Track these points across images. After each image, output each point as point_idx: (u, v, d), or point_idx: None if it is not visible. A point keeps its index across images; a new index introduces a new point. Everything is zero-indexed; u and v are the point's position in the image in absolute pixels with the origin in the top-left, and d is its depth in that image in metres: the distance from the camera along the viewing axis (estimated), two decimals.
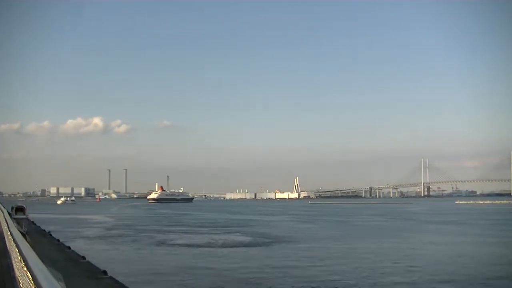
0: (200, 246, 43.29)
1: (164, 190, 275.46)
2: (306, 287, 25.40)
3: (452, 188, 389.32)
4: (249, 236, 53.64)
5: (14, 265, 9.41)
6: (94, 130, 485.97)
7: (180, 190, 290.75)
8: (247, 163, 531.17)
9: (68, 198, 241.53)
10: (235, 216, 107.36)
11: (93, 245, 43.30)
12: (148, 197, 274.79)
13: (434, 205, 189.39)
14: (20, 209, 36.04)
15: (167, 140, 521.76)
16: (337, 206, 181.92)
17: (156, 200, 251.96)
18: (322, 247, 42.83)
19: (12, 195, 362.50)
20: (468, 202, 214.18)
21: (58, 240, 32.51)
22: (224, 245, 44.61)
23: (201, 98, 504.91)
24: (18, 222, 30.67)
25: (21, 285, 6.91)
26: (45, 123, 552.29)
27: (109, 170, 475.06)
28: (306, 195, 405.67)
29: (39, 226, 46.68)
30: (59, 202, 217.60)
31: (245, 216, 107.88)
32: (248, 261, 34.33)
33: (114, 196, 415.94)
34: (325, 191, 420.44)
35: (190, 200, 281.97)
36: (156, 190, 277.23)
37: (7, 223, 19.02)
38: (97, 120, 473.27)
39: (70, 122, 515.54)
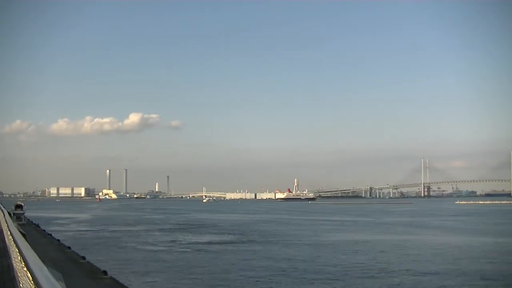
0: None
1: (291, 192, 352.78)
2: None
3: (452, 188, 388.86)
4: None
5: (14, 265, 9.37)
6: (94, 130, 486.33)
7: (304, 192, 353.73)
8: (247, 163, 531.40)
9: (211, 198, 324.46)
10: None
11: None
12: (277, 197, 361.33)
13: (428, 206, 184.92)
14: (19, 206, 44.91)
15: (167, 140, 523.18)
16: (330, 206, 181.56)
17: (284, 199, 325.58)
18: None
19: (12, 195, 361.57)
20: (468, 202, 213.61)
21: (58, 240, 32.54)
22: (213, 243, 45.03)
23: (201, 98, 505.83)
24: (18, 216, 40.51)
25: (21, 285, 6.88)
26: (45, 123, 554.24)
27: (109, 170, 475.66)
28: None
29: (39, 226, 46.86)
30: (204, 201, 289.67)
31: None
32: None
33: (114, 196, 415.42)
34: (325, 191, 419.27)
35: (313, 199, 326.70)
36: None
37: (7, 223, 18.96)
38: (96, 120, 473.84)
39: (70, 122, 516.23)
